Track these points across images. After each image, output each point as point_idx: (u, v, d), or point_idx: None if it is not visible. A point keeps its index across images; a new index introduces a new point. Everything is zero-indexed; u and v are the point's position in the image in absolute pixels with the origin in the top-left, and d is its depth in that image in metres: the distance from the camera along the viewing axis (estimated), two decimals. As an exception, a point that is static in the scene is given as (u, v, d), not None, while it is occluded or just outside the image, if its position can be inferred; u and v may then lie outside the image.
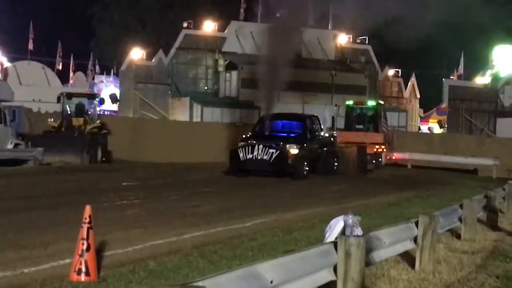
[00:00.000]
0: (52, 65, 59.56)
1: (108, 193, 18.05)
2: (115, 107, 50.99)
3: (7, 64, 54.59)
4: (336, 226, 8.08)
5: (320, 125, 30.21)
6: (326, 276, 6.99)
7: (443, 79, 62.85)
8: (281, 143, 26.24)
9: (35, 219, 12.96)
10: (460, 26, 57.49)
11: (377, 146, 35.95)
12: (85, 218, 7.98)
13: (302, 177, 25.77)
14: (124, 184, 21.95)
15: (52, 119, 33.72)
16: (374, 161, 34.76)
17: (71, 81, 61.88)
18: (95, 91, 53.69)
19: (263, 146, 25.62)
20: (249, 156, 25.61)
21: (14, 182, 21.28)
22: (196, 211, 14.99)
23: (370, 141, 35.34)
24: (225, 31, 53.48)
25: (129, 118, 47.49)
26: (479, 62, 64.09)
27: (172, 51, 52.52)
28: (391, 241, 8.82)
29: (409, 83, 60.72)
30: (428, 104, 65.19)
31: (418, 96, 61.77)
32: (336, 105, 40.21)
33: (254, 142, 26.12)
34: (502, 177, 34.17)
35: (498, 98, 60.51)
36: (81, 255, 7.91)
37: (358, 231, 7.86)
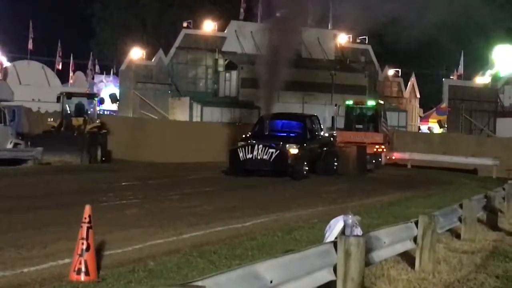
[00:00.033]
0: (51, 65, 59.60)
1: (107, 192, 18.04)
2: (114, 106, 50.96)
3: (6, 63, 54.53)
4: (335, 226, 8.07)
5: (320, 125, 30.20)
6: (326, 276, 6.98)
7: (443, 79, 62.87)
8: (281, 143, 26.18)
9: (34, 219, 12.95)
10: (460, 26, 57.57)
11: (377, 146, 35.95)
12: (85, 218, 7.98)
13: (302, 177, 25.73)
14: (123, 184, 21.94)
15: (52, 119, 33.74)
16: (374, 161, 34.74)
17: (70, 81, 61.90)
18: (95, 90, 53.77)
19: (263, 146, 25.57)
20: (249, 156, 25.56)
21: (14, 182, 21.27)
22: (195, 211, 14.98)
23: (370, 141, 35.34)
24: (225, 31, 53.43)
25: (128, 118, 47.45)
26: (479, 62, 64.07)
27: (172, 51, 52.49)
28: (391, 241, 8.81)
29: (409, 83, 60.70)
30: (428, 104, 65.21)
31: (418, 96, 61.76)
32: (336, 105, 40.13)
33: (254, 142, 26.08)
34: (502, 177, 34.13)
35: (498, 98, 60.46)
36: (80, 255, 7.91)
37: (358, 231, 7.85)
